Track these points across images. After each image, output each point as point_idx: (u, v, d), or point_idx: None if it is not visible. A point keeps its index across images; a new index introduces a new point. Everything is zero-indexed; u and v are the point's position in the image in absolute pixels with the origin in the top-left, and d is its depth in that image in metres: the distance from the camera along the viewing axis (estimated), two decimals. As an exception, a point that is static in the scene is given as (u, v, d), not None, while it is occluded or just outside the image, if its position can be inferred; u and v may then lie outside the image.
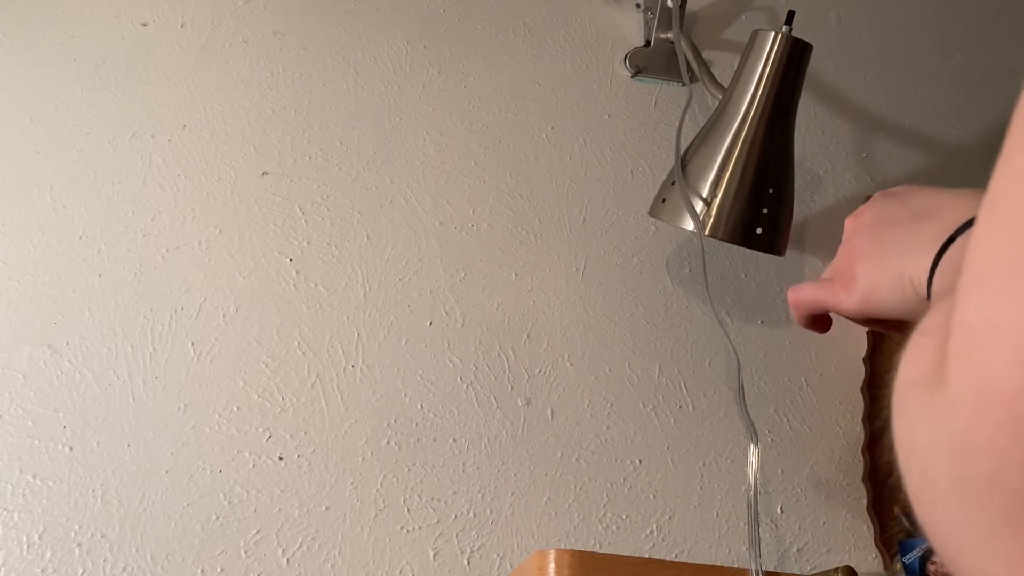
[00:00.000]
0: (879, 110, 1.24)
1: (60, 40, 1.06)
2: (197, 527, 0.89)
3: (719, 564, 0.96)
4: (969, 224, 0.49)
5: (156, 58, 1.07)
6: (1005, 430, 0.16)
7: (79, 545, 0.86)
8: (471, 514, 0.95)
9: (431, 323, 1.02)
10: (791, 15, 0.97)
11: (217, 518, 0.90)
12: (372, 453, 0.95)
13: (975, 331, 0.18)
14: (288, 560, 0.90)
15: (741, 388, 1.02)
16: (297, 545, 0.90)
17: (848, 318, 0.60)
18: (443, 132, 1.10)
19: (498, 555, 0.94)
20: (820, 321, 0.66)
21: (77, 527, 0.87)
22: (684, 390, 1.05)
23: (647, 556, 0.96)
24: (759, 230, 0.94)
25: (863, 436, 1.06)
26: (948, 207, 0.53)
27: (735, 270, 1.12)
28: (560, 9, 1.19)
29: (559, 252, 1.08)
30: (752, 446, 0.90)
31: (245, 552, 0.89)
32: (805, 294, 0.63)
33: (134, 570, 0.86)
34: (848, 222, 0.62)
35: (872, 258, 0.57)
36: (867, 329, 1.04)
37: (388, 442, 0.96)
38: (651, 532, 0.99)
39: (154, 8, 1.09)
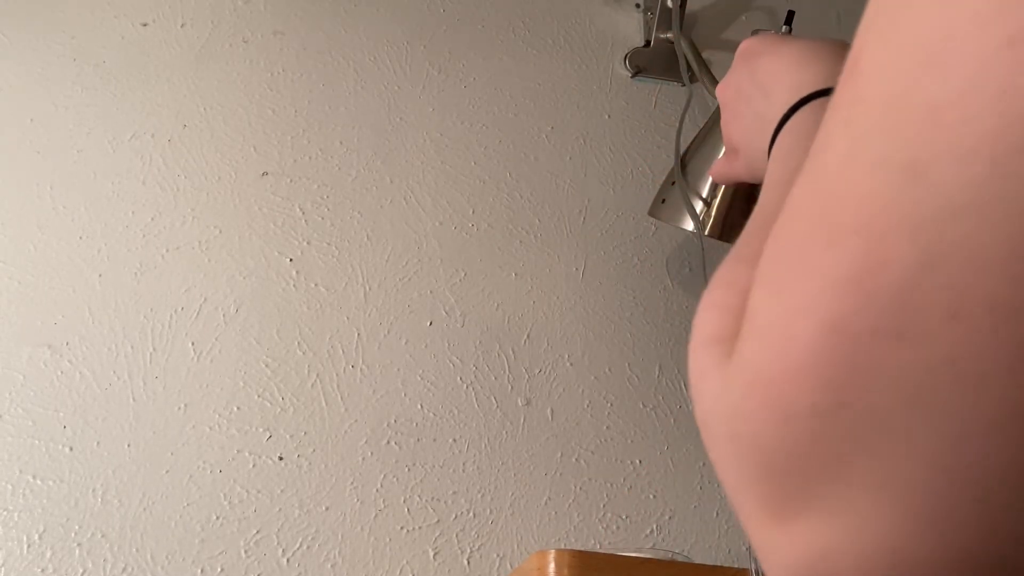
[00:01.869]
0: (879, 110, 1.24)
1: (60, 40, 1.06)
2: (197, 527, 0.89)
3: (719, 564, 0.96)
4: (792, 112, 0.49)
5: (156, 58, 1.07)
6: (765, 408, 0.20)
7: (79, 545, 0.86)
8: (471, 514, 0.95)
9: (431, 323, 1.02)
10: (791, 15, 0.97)
11: (217, 518, 0.90)
12: (372, 453, 0.95)
13: (755, 317, 0.21)
14: (288, 560, 0.90)
15: (741, 388, 1.02)
16: (297, 545, 0.90)
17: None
18: (443, 132, 1.10)
19: (498, 555, 0.94)
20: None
21: (77, 527, 0.87)
22: (684, 390, 1.05)
23: (647, 556, 0.95)
24: (759, 230, 0.94)
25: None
26: (782, 83, 0.53)
27: (735, 270, 1.12)
28: (560, 9, 1.19)
29: (559, 252, 1.08)
30: (752, 446, 0.89)
31: (245, 552, 0.89)
32: (716, 171, 0.69)
33: (134, 570, 0.86)
34: (718, 92, 0.63)
35: (739, 133, 0.60)
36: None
37: (388, 442, 0.96)
38: (651, 532, 0.99)
39: (154, 8, 1.09)
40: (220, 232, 1.00)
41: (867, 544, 0.18)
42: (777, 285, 0.20)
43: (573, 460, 0.99)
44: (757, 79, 0.56)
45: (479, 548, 0.94)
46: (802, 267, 0.20)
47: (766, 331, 0.20)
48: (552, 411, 1.01)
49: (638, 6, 1.20)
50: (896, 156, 0.18)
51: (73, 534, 0.87)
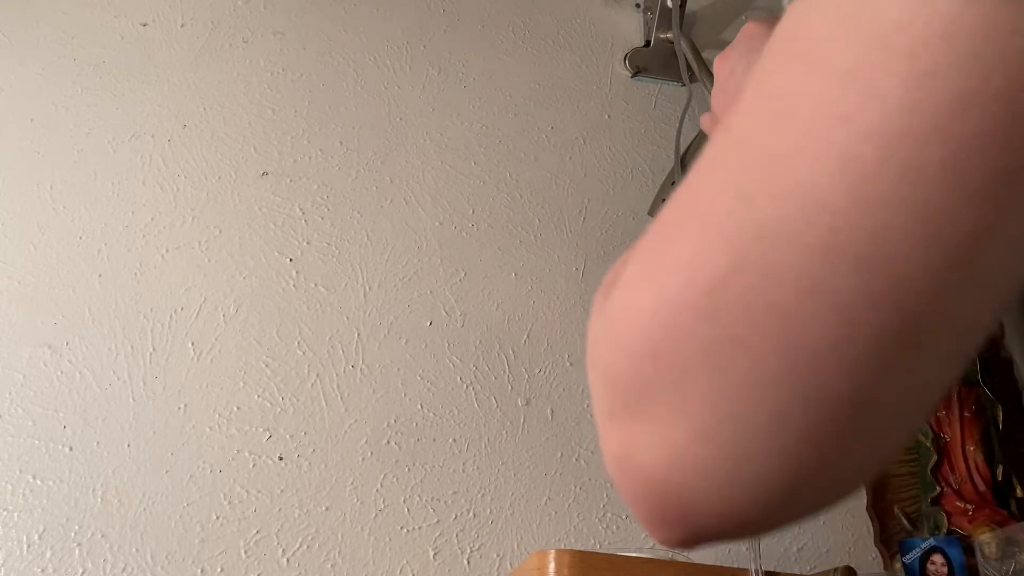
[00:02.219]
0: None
1: (60, 40, 1.06)
2: (197, 527, 0.89)
3: (719, 564, 0.96)
4: None
5: (156, 58, 1.07)
6: (613, 344, 0.26)
7: (79, 545, 0.86)
8: (471, 514, 0.95)
9: (431, 323, 1.02)
10: (791, 15, 0.97)
11: (217, 518, 0.90)
12: (372, 453, 0.95)
13: (624, 276, 0.27)
14: (288, 560, 0.90)
15: (741, 388, 1.02)
16: (297, 545, 0.90)
17: None
18: (443, 132, 1.10)
19: (498, 555, 0.94)
20: None
21: (77, 527, 0.87)
22: (684, 390, 1.05)
23: (647, 556, 0.95)
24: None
25: (863, 436, 1.06)
26: None
27: (735, 270, 1.12)
28: (560, 9, 1.19)
29: (559, 252, 1.08)
30: (752, 446, 0.89)
31: (245, 552, 0.89)
32: (703, 122, 0.74)
33: (134, 570, 0.86)
34: (716, 62, 0.69)
35: (722, 108, 0.64)
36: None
37: (388, 442, 0.96)
38: (651, 532, 0.99)
39: (154, 8, 1.09)
40: (220, 232, 1.00)
41: (662, 447, 0.25)
42: (644, 256, 0.27)
43: (573, 460, 0.99)
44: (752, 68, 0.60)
45: (479, 548, 0.94)
46: (660, 247, 0.26)
47: (627, 289, 0.27)
48: (552, 411, 1.01)
49: (638, 6, 1.20)
50: (737, 183, 0.24)
51: (73, 534, 0.87)
